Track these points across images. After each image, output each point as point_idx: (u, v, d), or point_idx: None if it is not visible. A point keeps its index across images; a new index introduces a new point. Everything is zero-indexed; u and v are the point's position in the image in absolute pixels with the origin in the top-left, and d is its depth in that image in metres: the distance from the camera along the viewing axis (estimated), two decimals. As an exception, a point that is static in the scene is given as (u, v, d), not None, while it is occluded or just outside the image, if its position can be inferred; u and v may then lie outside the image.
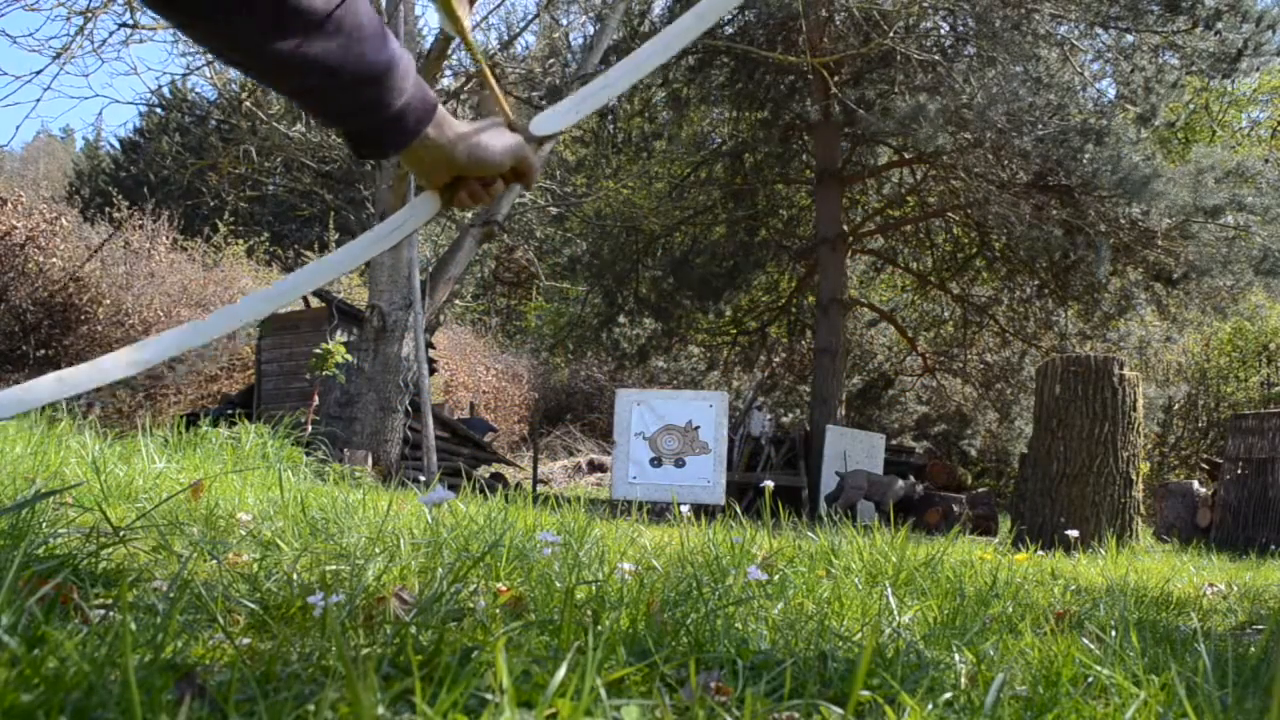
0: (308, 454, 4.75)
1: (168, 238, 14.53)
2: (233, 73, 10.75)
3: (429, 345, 8.66)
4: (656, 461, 8.77)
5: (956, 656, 1.33)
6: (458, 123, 1.09)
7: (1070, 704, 1.07)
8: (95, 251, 11.93)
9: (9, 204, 11.52)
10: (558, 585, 1.60)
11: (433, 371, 10.82)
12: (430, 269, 9.22)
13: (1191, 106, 15.25)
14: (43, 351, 11.46)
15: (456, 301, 18.39)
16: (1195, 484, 7.99)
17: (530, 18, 11.81)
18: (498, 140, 1.12)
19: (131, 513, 2.11)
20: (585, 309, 13.82)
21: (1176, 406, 14.24)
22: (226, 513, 2.33)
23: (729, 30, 11.23)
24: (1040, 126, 9.02)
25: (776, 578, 1.93)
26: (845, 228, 11.42)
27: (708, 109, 12.83)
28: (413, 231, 1.18)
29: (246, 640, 1.15)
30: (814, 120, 10.94)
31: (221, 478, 2.87)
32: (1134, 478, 5.51)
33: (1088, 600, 2.31)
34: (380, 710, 0.84)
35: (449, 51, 8.48)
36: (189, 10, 0.86)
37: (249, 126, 11.22)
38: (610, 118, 12.79)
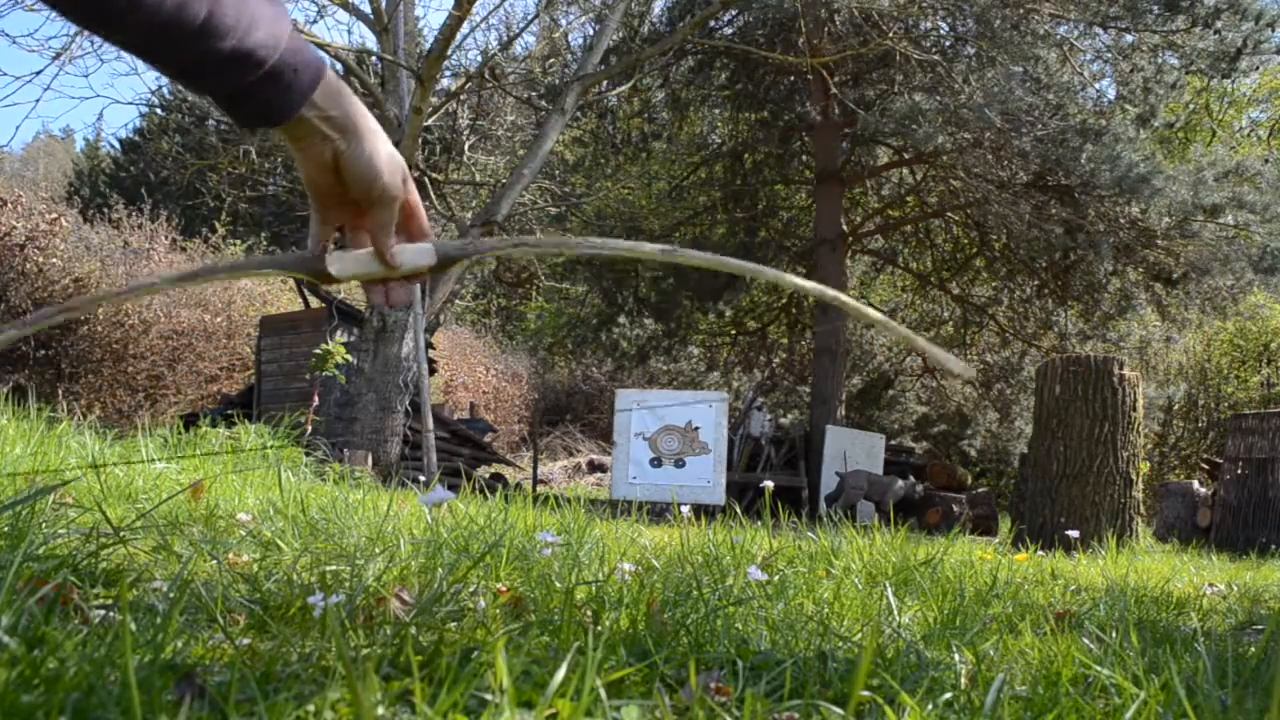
0: (307, 454, 4.74)
1: (167, 238, 14.53)
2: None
3: (429, 345, 8.66)
4: (656, 462, 8.77)
5: (956, 656, 1.33)
6: (361, 107, 0.91)
7: (1070, 704, 1.07)
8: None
9: (9, 205, 11.52)
10: (558, 585, 1.60)
11: (433, 372, 10.82)
12: (430, 269, 9.21)
13: (1191, 106, 15.25)
14: (43, 352, 11.46)
15: (456, 301, 18.39)
16: (1195, 484, 7.99)
17: (530, 18, 11.81)
18: (383, 147, 0.92)
19: (131, 513, 2.11)
20: (585, 309, 13.82)
21: (1176, 406, 14.24)
22: (226, 513, 2.32)
23: (729, 31, 11.24)
24: (1039, 126, 9.03)
25: (776, 578, 1.93)
26: (845, 228, 11.42)
27: (707, 110, 12.84)
28: (284, 270, 0.95)
29: (246, 640, 1.15)
30: (814, 121, 10.94)
31: (221, 478, 2.87)
32: (1134, 478, 5.51)
33: (1088, 600, 2.31)
34: (380, 710, 0.84)
35: (449, 52, 8.48)
36: None
37: (249, 127, 11.20)
38: (609, 118, 12.79)
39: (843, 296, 1.02)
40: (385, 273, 0.95)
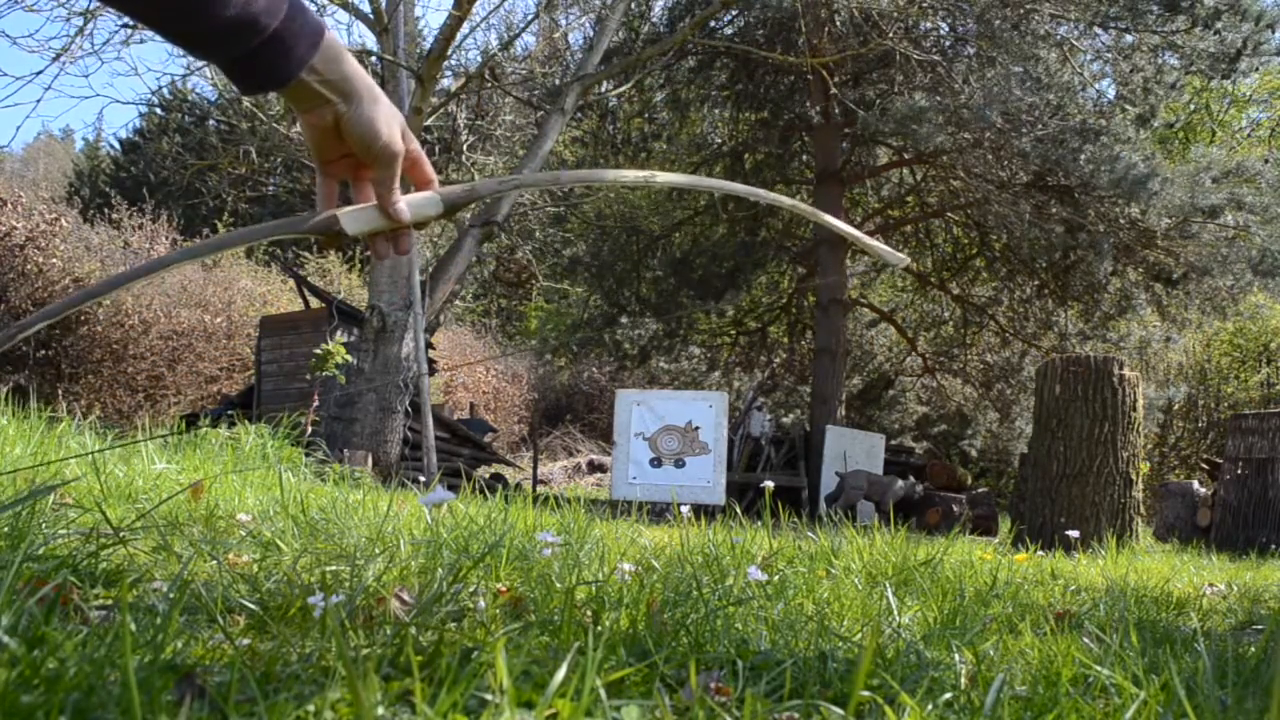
0: (307, 454, 4.74)
1: (167, 238, 14.54)
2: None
3: (429, 345, 8.66)
4: (656, 462, 8.77)
5: (956, 656, 1.33)
6: (359, 69, 0.92)
7: (1070, 704, 1.07)
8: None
9: (9, 205, 11.52)
10: (558, 585, 1.60)
11: (433, 372, 10.82)
12: (430, 269, 9.22)
13: (1191, 106, 15.25)
14: (43, 352, 11.46)
15: (456, 302, 18.38)
16: (1195, 484, 7.99)
17: (530, 19, 11.81)
18: (382, 107, 0.94)
19: (131, 513, 2.11)
20: (587, 310, 13.83)
21: (1176, 406, 14.24)
22: (226, 513, 2.32)
23: (729, 31, 11.24)
24: (1039, 126, 9.03)
25: (776, 578, 1.93)
26: (845, 228, 11.41)
27: (708, 110, 12.85)
28: (298, 233, 0.98)
29: (246, 640, 1.14)
30: (814, 121, 10.95)
31: (221, 478, 2.87)
32: (1134, 478, 5.51)
33: (1088, 600, 2.31)
34: (380, 710, 0.84)
35: (449, 52, 8.48)
36: None
37: (249, 127, 11.23)
38: (610, 118, 12.79)
39: (813, 211, 1.15)
40: (394, 225, 0.97)
